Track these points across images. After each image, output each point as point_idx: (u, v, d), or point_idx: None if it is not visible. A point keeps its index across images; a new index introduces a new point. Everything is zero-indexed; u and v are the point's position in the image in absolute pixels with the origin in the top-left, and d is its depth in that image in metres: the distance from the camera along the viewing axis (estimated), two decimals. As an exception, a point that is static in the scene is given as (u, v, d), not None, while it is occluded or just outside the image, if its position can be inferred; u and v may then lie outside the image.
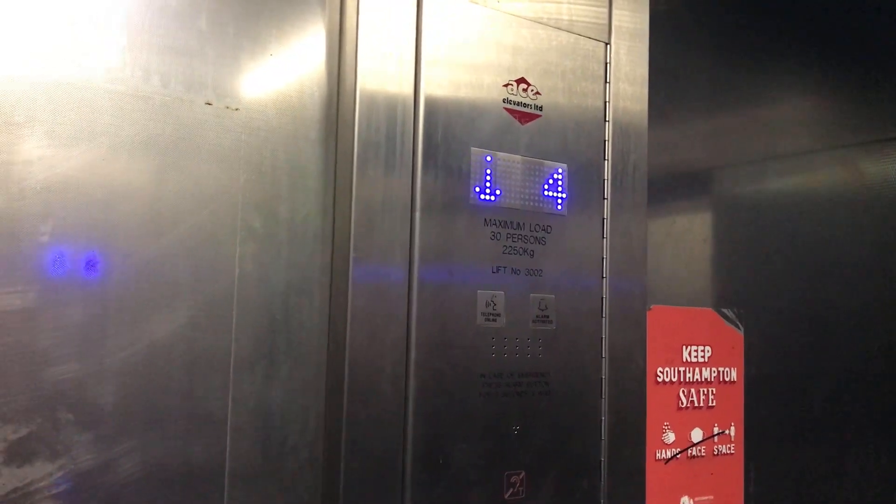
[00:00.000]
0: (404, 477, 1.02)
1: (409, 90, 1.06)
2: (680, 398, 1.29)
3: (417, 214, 1.06)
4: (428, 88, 1.07)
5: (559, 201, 1.17)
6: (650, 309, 1.26)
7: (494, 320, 1.11)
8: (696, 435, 1.30)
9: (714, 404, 1.33)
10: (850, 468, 1.56)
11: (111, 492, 0.89)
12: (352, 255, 1.01)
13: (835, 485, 1.53)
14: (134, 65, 0.94)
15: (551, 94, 1.18)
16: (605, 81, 1.23)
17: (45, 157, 0.88)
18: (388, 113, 1.04)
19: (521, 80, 1.14)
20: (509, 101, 1.13)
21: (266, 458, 0.99)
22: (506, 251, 1.13)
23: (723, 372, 1.35)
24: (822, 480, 1.51)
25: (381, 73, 1.04)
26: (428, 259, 1.06)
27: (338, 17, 1.08)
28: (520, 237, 1.14)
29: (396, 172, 1.05)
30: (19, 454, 0.85)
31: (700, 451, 1.30)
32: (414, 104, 1.07)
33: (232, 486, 0.96)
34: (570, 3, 1.21)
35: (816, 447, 1.50)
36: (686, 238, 1.38)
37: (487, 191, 1.11)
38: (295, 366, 1.01)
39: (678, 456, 1.28)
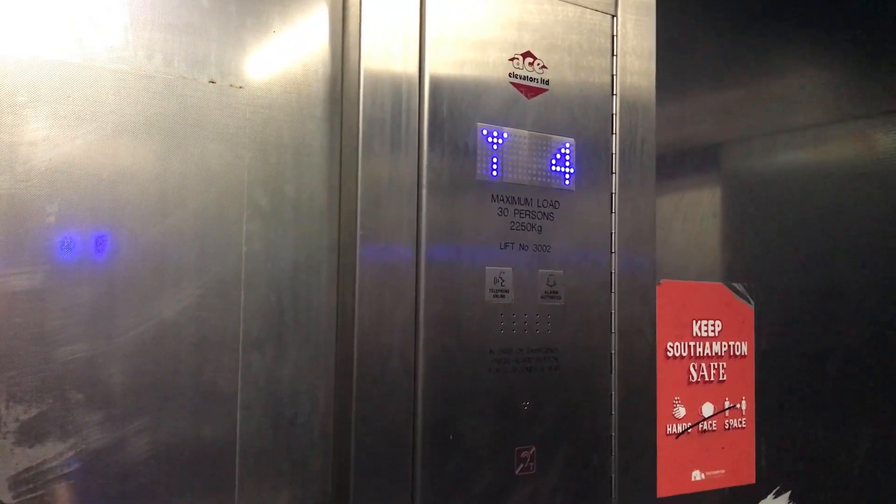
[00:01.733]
0: (415, 453, 1.02)
1: (414, 66, 1.05)
2: (690, 372, 1.28)
3: (424, 191, 1.05)
4: (432, 64, 1.06)
5: (567, 176, 1.17)
6: (659, 283, 1.25)
7: (503, 296, 1.10)
8: (707, 409, 1.30)
9: (725, 378, 1.32)
10: (862, 442, 1.55)
11: (122, 470, 0.90)
12: (359, 232, 1.01)
13: (847, 459, 1.53)
14: (136, 43, 0.93)
15: (558, 67, 1.16)
16: (612, 55, 1.22)
17: (49, 137, 0.88)
18: (393, 90, 1.04)
19: (526, 54, 1.13)
20: (515, 76, 1.12)
21: (276, 436, 0.99)
22: (513, 227, 1.12)
23: (733, 346, 1.34)
24: (834, 454, 1.51)
25: (385, 50, 1.03)
26: (435, 236, 1.06)
27: (341, -7, 1.07)
28: (527, 213, 1.13)
29: (402, 149, 1.04)
30: (31, 434, 0.86)
31: (711, 425, 1.30)
32: (419, 80, 1.06)
33: (243, 464, 0.96)
34: (575, -25, 1.20)
35: (828, 421, 1.49)
36: (695, 212, 1.37)
37: (494, 166, 1.10)
38: (304, 344, 1.01)
39: (689, 430, 1.27)
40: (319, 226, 1.03)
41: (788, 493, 1.41)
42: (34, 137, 0.87)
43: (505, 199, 1.11)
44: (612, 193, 1.20)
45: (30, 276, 0.86)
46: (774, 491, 1.39)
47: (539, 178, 1.14)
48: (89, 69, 0.91)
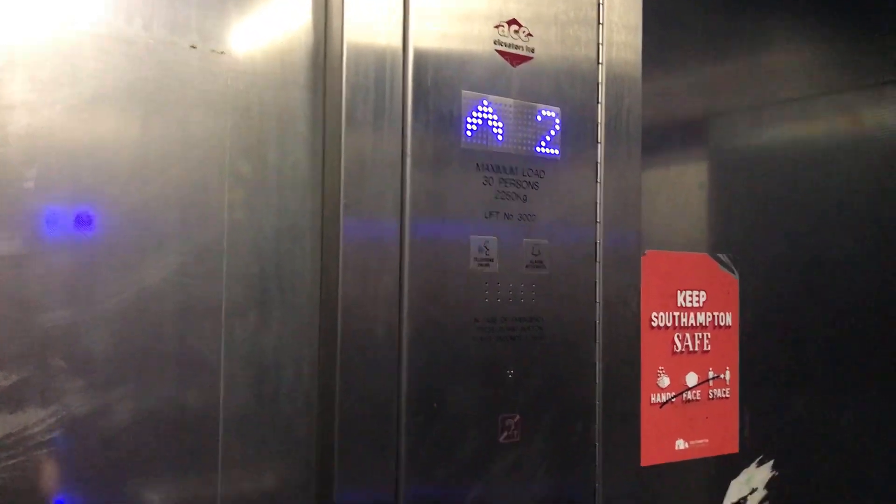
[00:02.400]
0: (399, 421, 1.02)
1: (398, 34, 1.04)
2: (675, 343, 1.29)
3: (408, 159, 1.05)
4: (416, 32, 1.05)
5: (552, 145, 1.16)
6: (644, 254, 1.25)
7: (487, 265, 1.10)
8: (691, 379, 1.30)
9: (709, 349, 1.33)
10: (846, 412, 1.57)
11: (105, 438, 0.90)
12: (342, 201, 1.00)
13: (830, 428, 1.54)
14: (116, 6, 0.92)
15: (543, 36, 1.15)
16: (599, 23, 1.21)
17: (27, 101, 0.87)
18: (377, 59, 1.02)
19: (512, 21, 1.12)
20: (500, 43, 1.11)
21: (260, 404, 0.99)
22: (498, 196, 1.11)
23: (718, 316, 1.35)
24: (818, 424, 1.52)
25: (368, 20, 1.02)
26: (420, 205, 1.05)
27: (324, -42, 1.05)
28: (512, 182, 1.13)
29: (386, 118, 1.03)
30: (11, 400, 0.85)
31: (695, 395, 1.31)
32: (402, 48, 1.05)
33: (226, 432, 0.96)
34: (561, -58, 1.18)
35: (812, 391, 1.51)
36: (681, 183, 1.37)
37: (479, 135, 1.10)
38: (287, 312, 1.01)
39: (673, 400, 1.28)
40: (303, 194, 1.02)
41: (772, 463, 1.42)
42: (11, 101, 0.86)
43: (490, 168, 1.11)
44: (597, 163, 1.20)
45: (9, 242, 0.85)
46: (758, 460, 1.40)
47: (524, 147, 1.14)
48: (67, 32, 0.89)
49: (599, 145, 1.20)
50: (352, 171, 1.01)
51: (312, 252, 1.03)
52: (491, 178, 1.11)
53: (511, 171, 1.12)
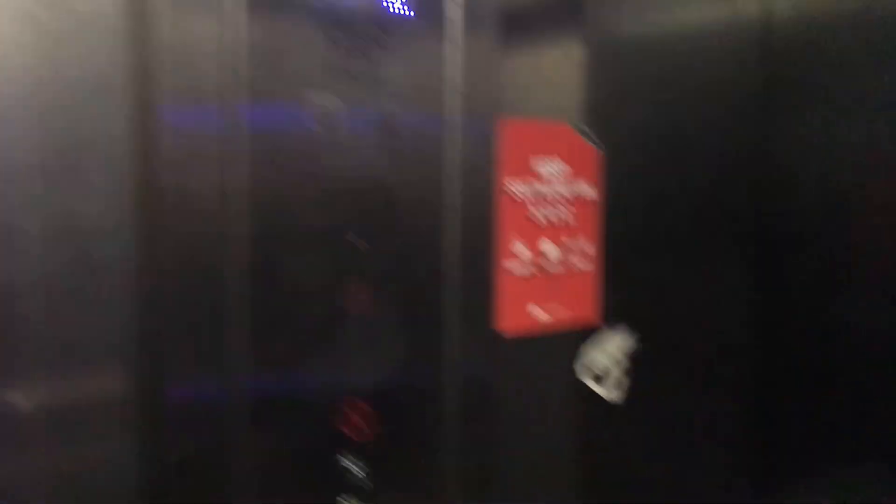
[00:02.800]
0: (231, 291, 0.96)
1: None
2: (534, 214, 1.26)
3: (243, 10, 0.95)
4: None
5: (403, 2, 1.08)
6: (502, 121, 1.20)
7: (333, 130, 1.03)
8: (552, 250, 1.28)
9: (570, 220, 1.31)
10: (709, 282, 1.60)
11: None
12: (161, 56, 0.90)
13: (694, 299, 1.57)
14: None
15: None
16: None
17: None
18: None
19: None
20: None
21: (77, 274, 0.90)
22: (346, 55, 1.04)
23: (579, 188, 1.32)
24: (681, 295, 1.55)
25: None
26: (256, 60, 0.97)
27: None
28: (361, 40, 1.05)
29: (213, -38, 0.93)
30: None
31: (556, 266, 1.29)
32: None
33: (46, 303, 0.88)
34: None
35: (674, 262, 1.52)
36: (545, 53, 1.32)
37: (319, -14, 1.01)
38: (105, 176, 0.92)
39: (533, 271, 1.26)
40: (113, 44, 0.91)
41: (633, 333, 1.44)
42: None
43: (333, 24, 1.02)
44: (451, 20, 1.13)
45: None
46: (620, 331, 1.41)
47: (372, 3, 1.06)
48: None
49: (454, 5, 1.13)
50: (174, 20, 0.91)
51: (130, 112, 0.93)
52: (336, 35, 1.03)
53: (359, 30, 1.05)
